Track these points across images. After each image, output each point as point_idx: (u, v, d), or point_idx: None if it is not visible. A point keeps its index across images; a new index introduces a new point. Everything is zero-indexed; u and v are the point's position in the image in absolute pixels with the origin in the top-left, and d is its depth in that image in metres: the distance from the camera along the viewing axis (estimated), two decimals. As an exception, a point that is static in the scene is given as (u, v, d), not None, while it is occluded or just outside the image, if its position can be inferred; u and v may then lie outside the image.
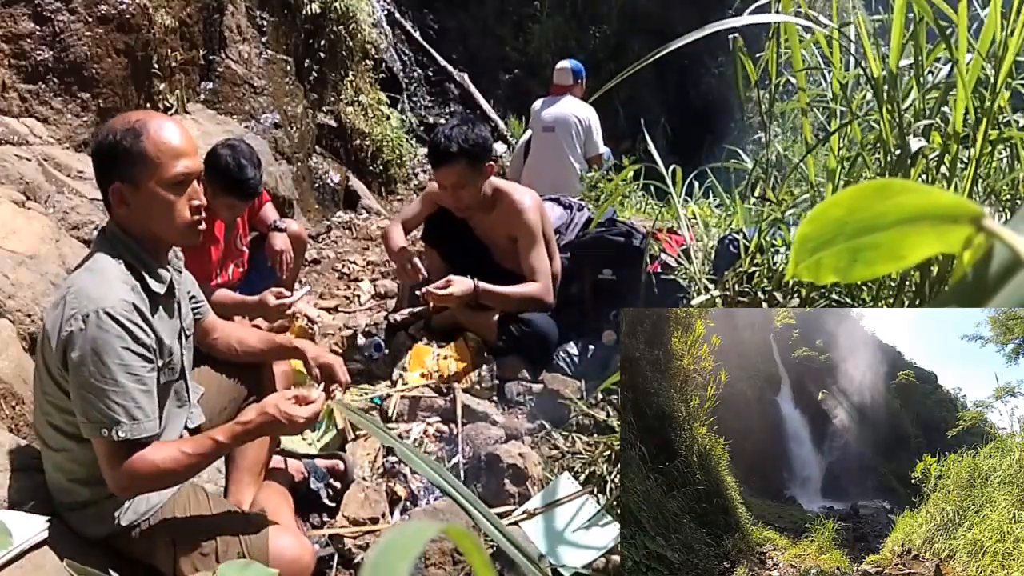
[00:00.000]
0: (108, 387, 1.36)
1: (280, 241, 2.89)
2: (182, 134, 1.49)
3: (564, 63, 4.81)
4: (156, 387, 1.47)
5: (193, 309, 1.76)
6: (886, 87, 1.69)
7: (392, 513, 1.99)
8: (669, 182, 2.46)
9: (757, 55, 2.16)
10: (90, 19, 3.49)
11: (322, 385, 1.74)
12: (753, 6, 1.90)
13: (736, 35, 1.72)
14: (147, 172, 1.44)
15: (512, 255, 2.76)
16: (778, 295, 2.02)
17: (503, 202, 2.68)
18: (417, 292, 2.54)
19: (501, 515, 1.86)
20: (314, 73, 5.64)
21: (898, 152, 1.68)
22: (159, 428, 1.46)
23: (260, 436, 1.57)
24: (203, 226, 1.55)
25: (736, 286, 2.15)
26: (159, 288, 1.52)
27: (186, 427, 1.70)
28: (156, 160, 1.44)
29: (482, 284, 2.54)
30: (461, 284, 2.51)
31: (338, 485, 2.03)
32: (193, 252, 2.25)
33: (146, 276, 1.49)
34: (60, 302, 1.42)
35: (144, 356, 1.42)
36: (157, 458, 1.41)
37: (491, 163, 2.61)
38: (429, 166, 6.95)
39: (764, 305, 2.03)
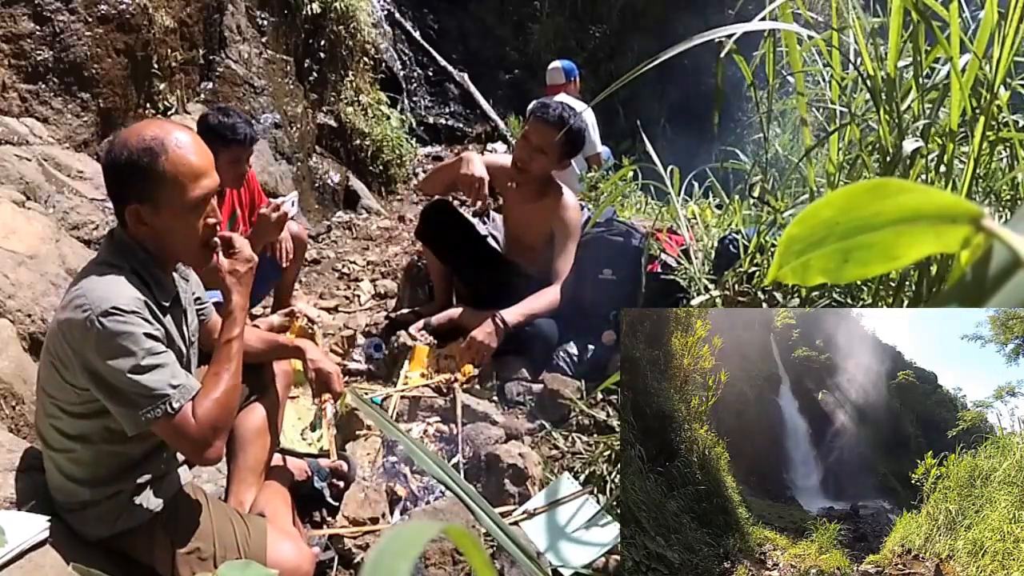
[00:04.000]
0: (143, 372, 1.36)
1: None
2: (199, 150, 1.44)
3: (556, 63, 4.85)
4: None
5: (198, 311, 1.77)
6: (884, 88, 1.69)
7: (392, 513, 1.99)
8: (668, 182, 2.47)
9: (755, 52, 2.16)
10: (90, 19, 3.50)
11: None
12: (759, 14, 1.90)
13: (720, 41, 1.71)
14: (167, 195, 1.41)
15: (527, 250, 2.78)
16: (778, 295, 2.02)
17: (551, 195, 2.72)
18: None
19: (502, 515, 1.86)
20: (314, 73, 5.64)
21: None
22: (199, 385, 1.46)
23: (245, 292, 1.59)
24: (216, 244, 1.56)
25: (736, 286, 2.15)
26: (164, 299, 1.52)
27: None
28: (176, 182, 1.40)
29: (507, 317, 2.51)
30: (484, 333, 2.48)
31: (341, 484, 2.04)
32: None
33: (152, 286, 1.48)
34: (69, 306, 1.39)
35: (160, 340, 1.43)
36: (211, 397, 1.43)
37: (569, 161, 2.70)
38: (430, 166, 6.95)
39: (764, 305, 2.03)
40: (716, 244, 2.56)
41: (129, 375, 1.35)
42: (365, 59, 6.27)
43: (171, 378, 1.39)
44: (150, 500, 1.55)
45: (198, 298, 1.77)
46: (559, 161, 2.66)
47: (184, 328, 1.61)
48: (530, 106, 2.88)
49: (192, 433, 1.40)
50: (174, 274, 1.59)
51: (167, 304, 1.53)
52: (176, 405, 1.38)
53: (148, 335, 1.39)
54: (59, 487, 1.53)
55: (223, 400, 1.44)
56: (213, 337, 1.88)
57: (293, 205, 2.58)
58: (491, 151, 6.90)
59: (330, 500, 1.98)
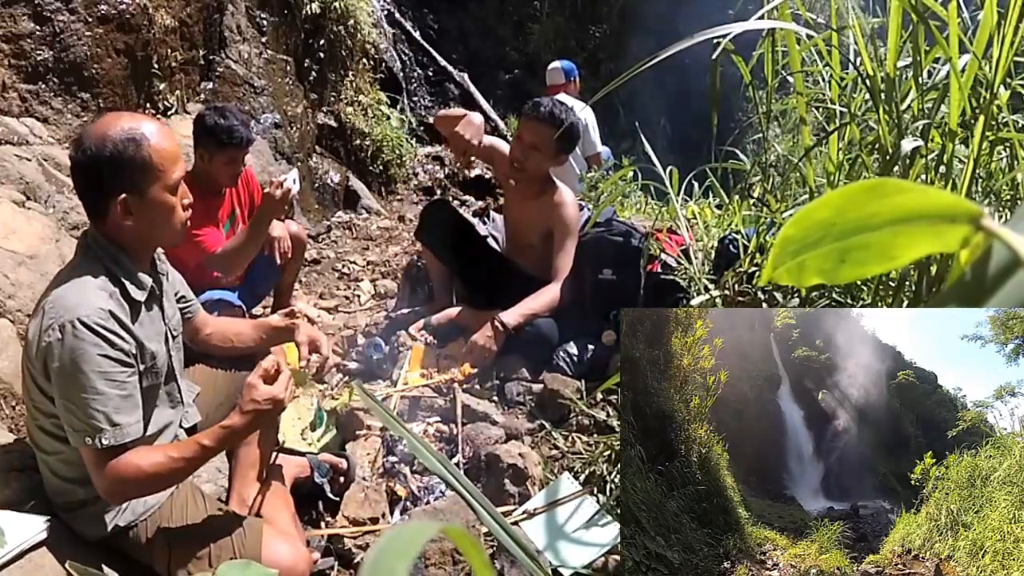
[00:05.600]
0: (88, 396, 1.35)
1: (277, 228, 2.90)
2: (170, 135, 1.51)
3: (555, 63, 4.86)
4: (139, 391, 1.47)
5: (182, 309, 1.76)
6: (883, 88, 1.69)
7: (392, 513, 1.99)
8: (667, 182, 2.47)
9: (754, 52, 2.16)
10: (90, 19, 3.49)
11: (305, 360, 1.79)
12: (759, 12, 1.90)
13: (717, 42, 1.71)
14: (152, 179, 1.46)
15: (526, 247, 2.78)
16: (778, 295, 2.02)
17: (549, 193, 2.72)
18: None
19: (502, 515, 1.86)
20: (314, 73, 5.64)
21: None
22: (143, 432, 1.45)
23: (249, 433, 1.56)
24: (189, 222, 1.59)
25: (736, 286, 2.15)
26: (140, 295, 1.51)
27: (181, 426, 1.70)
28: (160, 167, 1.46)
29: (507, 319, 2.51)
30: (485, 337, 2.48)
31: (342, 480, 2.04)
32: (191, 241, 2.29)
33: (126, 283, 1.49)
34: (39, 312, 1.41)
35: (123, 361, 1.41)
36: (144, 463, 1.41)
37: (565, 157, 2.71)
38: (430, 166, 6.95)
39: (764, 305, 2.03)
40: (716, 244, 2.56)
41: (76, 394, 1.35)
42: (365, 59, 6.26)
43: (114, 412, 1.38)
44: (147, 499, 1.55)
45: (182, 296, 1.77)
46: (554, 157, 2.66)
47: (162, 322, 1.60)
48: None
49: (106, 477, 1.39)
50: (150, 273, 1.58)
51: (142, 300, 1.52)
52: (105, 442, 1.36)
53: (106, 357, 1.38)
54: (55, 489, 1.54)
55: (151, 477, 1.42)
56: (201, 335, 1.89)
57: (295, 182, 2.59)
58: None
59: (331, 495, 1.98)
